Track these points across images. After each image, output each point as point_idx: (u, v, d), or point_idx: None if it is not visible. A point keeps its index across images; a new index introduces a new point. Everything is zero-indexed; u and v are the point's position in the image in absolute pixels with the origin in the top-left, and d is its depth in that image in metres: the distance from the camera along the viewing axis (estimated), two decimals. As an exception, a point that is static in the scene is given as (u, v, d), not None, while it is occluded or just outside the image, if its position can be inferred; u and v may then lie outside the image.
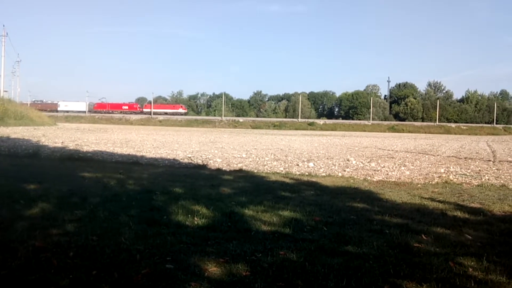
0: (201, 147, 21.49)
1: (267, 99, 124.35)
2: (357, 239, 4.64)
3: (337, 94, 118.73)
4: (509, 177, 11.85)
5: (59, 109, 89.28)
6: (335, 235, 4.79)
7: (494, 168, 14.32)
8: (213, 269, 3.62)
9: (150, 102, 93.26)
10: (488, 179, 11.11)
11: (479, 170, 13.63)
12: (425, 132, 67.08)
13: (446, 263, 3.90)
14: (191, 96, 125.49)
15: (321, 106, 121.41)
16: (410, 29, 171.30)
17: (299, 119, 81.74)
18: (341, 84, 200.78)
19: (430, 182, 10.32)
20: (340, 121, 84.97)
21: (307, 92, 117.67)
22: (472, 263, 3.95)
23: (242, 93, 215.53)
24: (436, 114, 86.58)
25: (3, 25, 60.42)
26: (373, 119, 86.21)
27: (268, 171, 11.90)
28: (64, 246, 4.08)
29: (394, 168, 13.69)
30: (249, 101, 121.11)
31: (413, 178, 11.10)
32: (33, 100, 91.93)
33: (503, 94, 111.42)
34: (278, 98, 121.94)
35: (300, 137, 39.40)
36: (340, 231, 4.95)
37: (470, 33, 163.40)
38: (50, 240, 4.28)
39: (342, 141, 32.38)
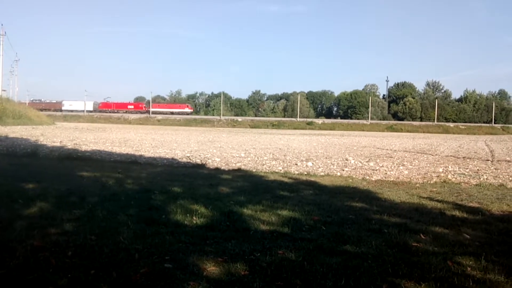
0: (200, 147, 21.48)
1: (265, 99, 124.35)
2: (355, 238, 4.64)
3: (336, 94, 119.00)
4: (507, 176, 11.88)
5: (63, 108, 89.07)
6: (334, 234, 4.79)
7: (492, 168, 14.35)
8: (211, 268, 3.62)
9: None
10: (486, 179, 11.13)
11: (478, 169, 13.66)
12: (424, 132, 67.23)
13: (445, 262, 3.90)
14: (190, 96, 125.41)
15: (319, 106, 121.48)
16: (409, 29, 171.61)
17: (298, 119, 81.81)
18: (339, 83, 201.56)
19: (429, 182, 10.34)
20: (338, 120, 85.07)
21: (306, 92, 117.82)
22: (470, 262, 3.95)
23: (241, 92, 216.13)
24: (435, 114, 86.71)
25: (1, 24, 60.06)
26: (371, 118, 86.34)
27: (267, 171, 11.90)
28: (62, 245, 4.07)
29: (392, 167, 13.70)
30: (247, 101, 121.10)
31: (412, 178, 11.11)
32: (32, 99, 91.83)
33: (502, 93, 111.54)
34: (277, 98, 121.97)
35: (299, 136, 39.43)
36: (339, 231, 4.95)
37: (469, 33, 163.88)
38: (49, 239, 4.26)
39: (341, 141, 32.40)
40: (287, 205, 6.32)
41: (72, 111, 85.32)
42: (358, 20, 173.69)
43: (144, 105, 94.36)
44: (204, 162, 13.51)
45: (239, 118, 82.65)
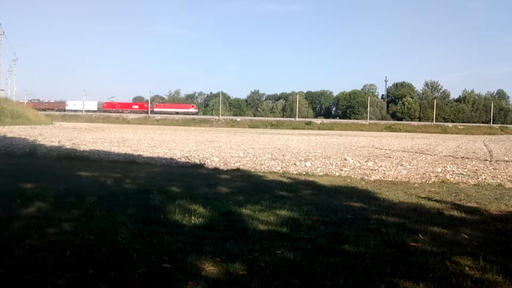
0: (198, 146, 21.47)
1: (264, 99, 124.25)
2: (354, 238, 4.64)
3: (335, 94, 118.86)
4: (505, 176, 11.90)
5: (67, 108, 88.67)
6: (332, 234, 4.79)
7: (490, 168, 14.38)
8: (210, 268, 3.62)
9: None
10: (484, 179, 11.15)
11: (476, 169, 13.68)
12: (422, 132, 67.29)
13: (443, 262, 3.90)
14: (189, 95, 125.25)
15: (318, 106, 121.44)
16: (407, 29, 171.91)
17: (297, 119, 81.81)
18: (338, 83, 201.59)
19: (427, 182, 10.35)
20: (337, 120, 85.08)
21: (305, 92, 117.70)
22: (468, 262, 3.96)
23: (240, 92, 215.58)
24: (433, 114, 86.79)
25: None
26: (370, 118, 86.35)
27: (266, 171, 11.90)
28: (60, 245, 4.07)
29: (391, 167, 13.72)
30: (246, 101, 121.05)
31: (410, 178, 11.13)
32: (30, 99, 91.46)
33: (500, 93, 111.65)
34: (276, 98, 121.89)
35: (298, 136, 39.45)
36: (337, 230, 4.96)
37: (467, 33, 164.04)
38: (47, 239, 4.26)
39: (339, 141, 32.42)
40: (285, 205, 6.32)
41: (76, 111, 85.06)
42: (356, 19, 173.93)
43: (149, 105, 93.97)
44: (202, 162, 13.51)
45: (238, 118, 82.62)
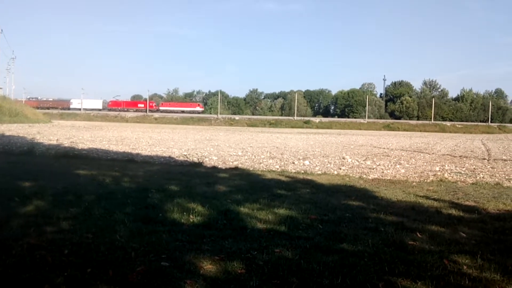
0: (197, 145, 21.46)
1: (263, 97, 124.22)
2: (352, 237, 4.65)
3: (333, 92, 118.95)
4: (503, 175, 11.93)
5: (71, 106, 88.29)
6: (331, 233, 4.80)
7: (488, 167, 14.41)
8: (208, 266, 3.62)
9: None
10: (482, 177, 11.18)
11: (474, 168, 13.71)
12: (420, 131, 67.33)
13: (441, 260, 3.91)
14: (187, 94, 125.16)
15: (317, 104, 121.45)
16: (406, 28, 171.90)
17: (295, 117, 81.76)
18: (337, 82, 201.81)
19: (425, 180, 10.37)
20: (335, 119, 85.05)
21: (303, 90, 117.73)
22: (466, 260, 3.97)
23: (238, 91, 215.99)
24: (432, 113, 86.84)
25: (-2, 23, 59.69)
26: (368, 117, 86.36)
27: (264, 169, 11.91)
28: (59, 243, 4.06)
29: (389, 166, 13.74)
30: (245, 99, 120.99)
31: (408, 176, 11.14)
32: (28, 97, 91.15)
33: (498, 93, 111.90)
34: (274, 96, 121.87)
35: (296, 135, 39.45)
36: (336, 229, 4.97)
37: (466, 32, 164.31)
38: (45, 237, 4.25)
39: (338, 139, 32.44)
40: (284, 204, 6.32)
41: (80, 109, 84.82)
42: (355, 19, 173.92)
43: (154, 104, 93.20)
44: (201, 161, 13.50)
45: (237, 117, 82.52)
